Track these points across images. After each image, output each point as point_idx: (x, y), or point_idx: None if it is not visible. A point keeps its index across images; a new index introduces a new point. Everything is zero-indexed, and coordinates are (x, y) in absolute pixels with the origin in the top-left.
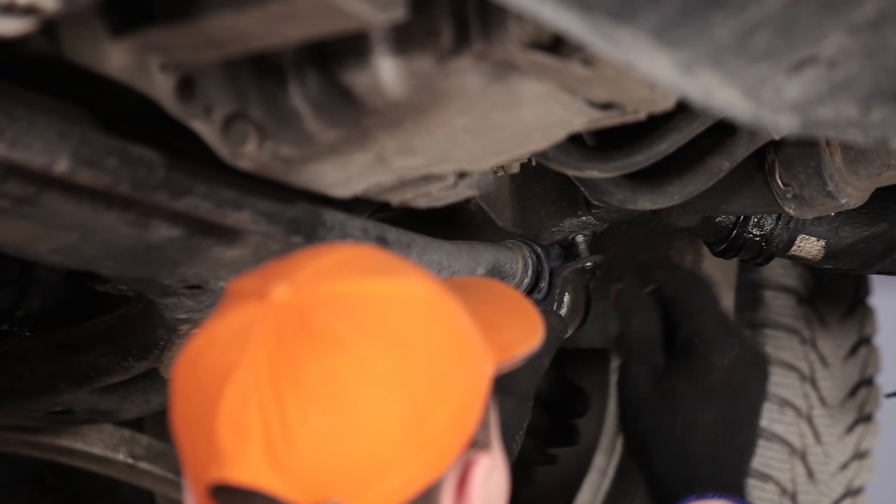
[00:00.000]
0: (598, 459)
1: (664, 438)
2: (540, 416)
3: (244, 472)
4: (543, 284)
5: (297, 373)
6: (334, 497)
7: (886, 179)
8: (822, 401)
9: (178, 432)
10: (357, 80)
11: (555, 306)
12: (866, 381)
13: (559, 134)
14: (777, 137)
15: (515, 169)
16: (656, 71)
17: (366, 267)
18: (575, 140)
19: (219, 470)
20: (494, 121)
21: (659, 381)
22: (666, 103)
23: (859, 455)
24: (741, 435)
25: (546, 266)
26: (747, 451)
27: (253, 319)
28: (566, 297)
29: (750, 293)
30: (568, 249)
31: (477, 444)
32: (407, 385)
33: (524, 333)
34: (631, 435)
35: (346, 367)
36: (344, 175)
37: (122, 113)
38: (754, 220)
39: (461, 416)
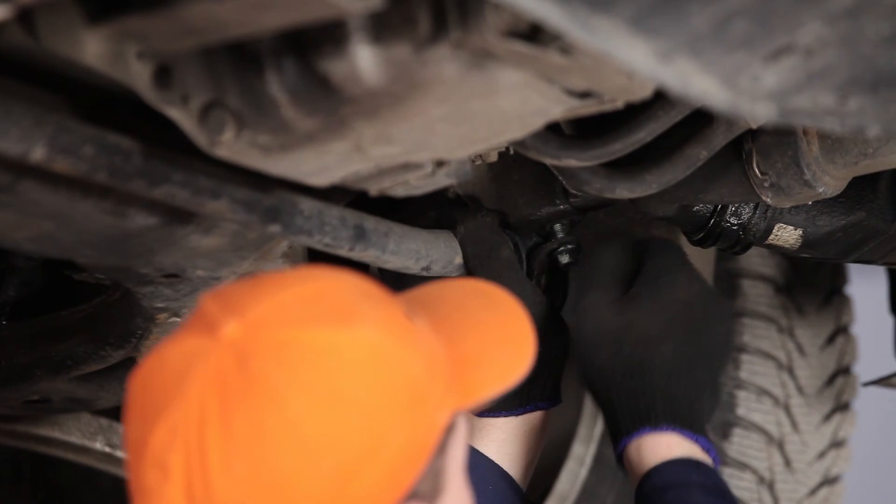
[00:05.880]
0: (576, 448)
1: (623, 369)
2: None
3: None
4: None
5: (226, 421)
6: None
7: (863, 168)
8: (800, 390)
9: (126, 447)
10: (335, 68)
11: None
12: (843, 370)
13: (537, 122)
14: (754, 126)
15: (493, 157)
16: (634, 59)
17: (322, 310)
18: (553, 129)
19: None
20: (472, 109)
21: (621, 312)
22: (643, 92)
23: (836, 444)
24: (698, 370)
25: (524, 252)
26: (704, 388)
27: (198, 353)
28: (543, 279)
29: (727, 282)
30: (546, 238)
31: (417, 495)
32: (336, 446)
33: (505, 367)
34: (590, 366)
35: (276, 423)
36: (321, 164)
37: (100, 101)
38: (732, 208)
39: (397, 471)
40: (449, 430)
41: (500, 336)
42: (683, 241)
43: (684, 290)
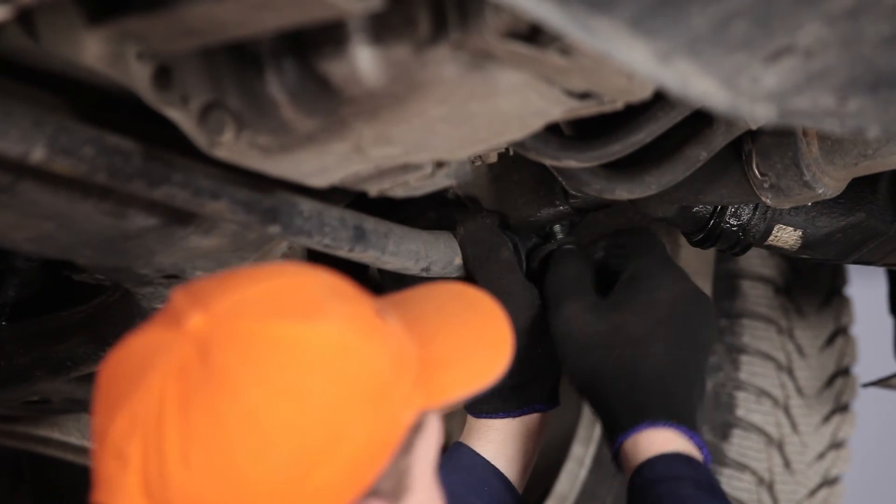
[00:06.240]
0: (576, 449)
1: (616, 369)
2: None
3: (119, 500)
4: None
5: (185, 412)
6: None
7: (863, 169)
8: (799, 391)
9: (92, 436)
10: (335, 68)
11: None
12: (843, 371)
13: (536, 123)
14: (754, 127)
15: (493, 158)
16: (633, 60)
17: (288, 304)
18: (552, 130)
19: (99, 492)
20: (472, 110)
21: (605, 317)
22: (643, 93)
23: (836, 445)
24: (689, 368)
25: (523, 253)
26: (695, 386)
27: (161, 345)
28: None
29: (727, 283)
30: (545, 239)
31: (379, 493)
32: (294, 438)
33: (479, 368)
34: (580, 371)
35: (234, 414)
36: (321, 164)
37: (100, 101)
38: (731, 209)
39: (357, 467)
40: (416, 429)
41: (475, 337)
42: (683, 243)
43: (668, 292)
